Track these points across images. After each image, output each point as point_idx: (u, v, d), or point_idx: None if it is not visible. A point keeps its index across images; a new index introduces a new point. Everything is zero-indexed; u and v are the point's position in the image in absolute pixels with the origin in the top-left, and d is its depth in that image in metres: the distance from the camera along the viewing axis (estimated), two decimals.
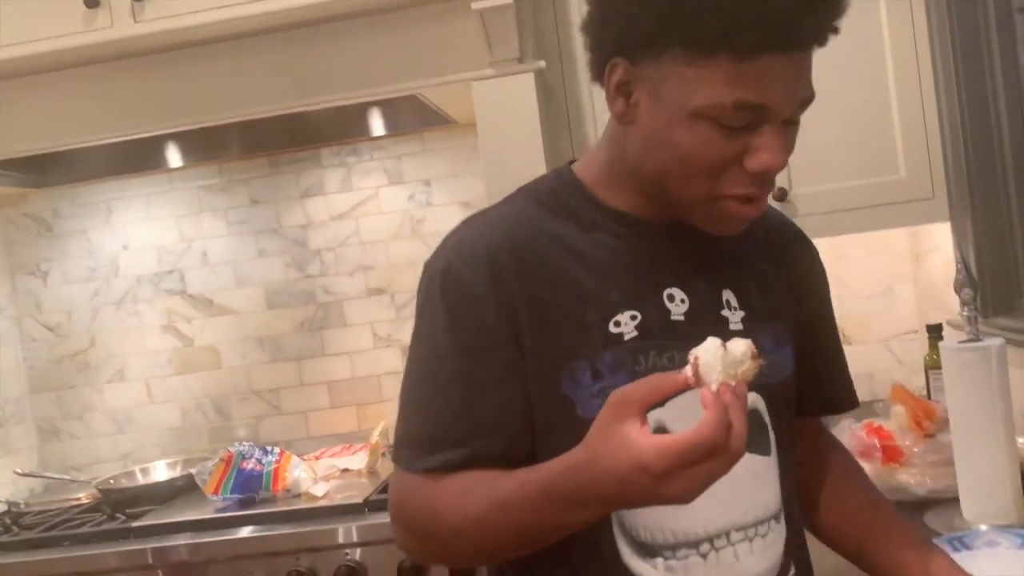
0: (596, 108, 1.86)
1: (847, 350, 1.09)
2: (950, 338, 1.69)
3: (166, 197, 2.41)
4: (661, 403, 0.73)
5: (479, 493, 0.82)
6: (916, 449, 1.53)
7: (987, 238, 1.75)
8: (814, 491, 1.06)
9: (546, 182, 0.95)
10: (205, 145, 2.23)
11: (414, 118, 2.19)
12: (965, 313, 1.33)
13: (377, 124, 2.22)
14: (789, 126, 0.82)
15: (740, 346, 0.71)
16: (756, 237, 0.97)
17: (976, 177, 1.74)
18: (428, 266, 0.91)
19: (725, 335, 0.73)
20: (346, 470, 2.07)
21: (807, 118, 0.84)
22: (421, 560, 1.03)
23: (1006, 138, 1.73)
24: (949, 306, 1.90)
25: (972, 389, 1.28)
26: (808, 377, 0.99)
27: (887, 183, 1.80)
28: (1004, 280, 1.74)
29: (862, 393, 1.15)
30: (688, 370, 0.71)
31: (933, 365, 1.88)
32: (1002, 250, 1.74)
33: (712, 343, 0.71)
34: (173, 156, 2.28)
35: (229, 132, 2.08)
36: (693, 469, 0.68)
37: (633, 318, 0.87)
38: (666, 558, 0.85)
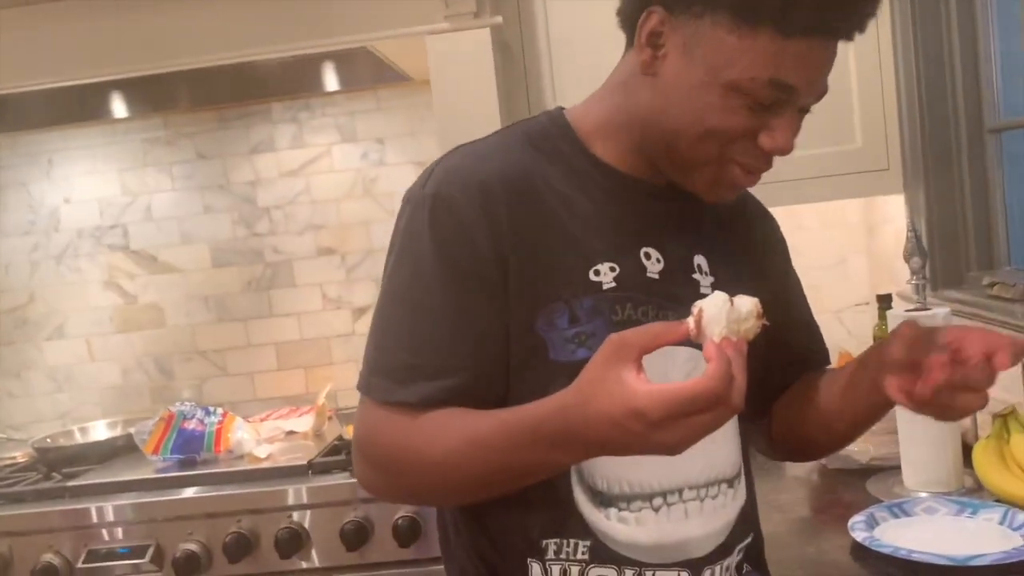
0: (554, 68, 1.82)
1: None
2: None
3: (109, 150, 2.33)
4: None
5: (457, 430, 0.80)
6: None
7: (939, 211, 1.76)
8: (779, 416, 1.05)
9: (539, 123, 0.94)
10: (151, 96, 2.15)
11: (368, 73, 2.13)
12: (914, 281, 1.34)
13: (330, 79, 2.16)
14: (802, 114, 0.85)
15: (747, 303, 0.69)
16: (726, 209, 0.97)
17: (930, 150, 1.75)
18: (414, 191, 0.88)
19: (695, 298, 0.72)
20: (291, 432, 2.04)
21: None
22: (382, 497, 0.97)
23: (961, 113, 1.73)
24: (900, 278, 1.90)
25: None
26: (778, 346, 0.96)
27: (843, 153, 1.79)
28: (953, 253, 1.75)
29: None
30: (690, 322, 0.69)
31: (882, 335, 1.89)
32: (952, 224, 1.76)
33: (719, 296, 0.69)
34: (118, 106, 2.20)
35: (177, 83, 2.01)
36: (689, 420, 0.66)
37: (612, 269, 0.86)
38: (619, 508, 0.85)
